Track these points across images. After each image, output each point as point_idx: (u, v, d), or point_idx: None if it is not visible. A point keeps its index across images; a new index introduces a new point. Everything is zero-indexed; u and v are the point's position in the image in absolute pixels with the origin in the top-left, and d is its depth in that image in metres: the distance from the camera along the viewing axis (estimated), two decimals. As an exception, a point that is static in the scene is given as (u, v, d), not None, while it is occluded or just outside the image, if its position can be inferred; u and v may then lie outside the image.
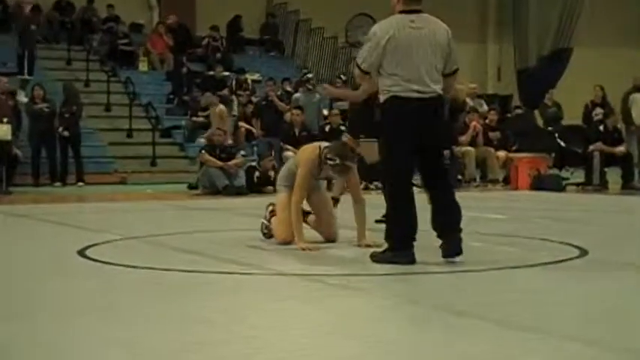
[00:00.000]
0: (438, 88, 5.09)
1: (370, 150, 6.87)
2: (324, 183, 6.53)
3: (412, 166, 5.13)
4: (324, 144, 6.04)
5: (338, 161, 5.80)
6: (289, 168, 6.22)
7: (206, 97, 16.11)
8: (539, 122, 16.65)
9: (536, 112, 17.31)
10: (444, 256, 5.10)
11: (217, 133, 12.76)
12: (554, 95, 16.66)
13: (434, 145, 5.16)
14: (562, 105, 16.27)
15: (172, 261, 5.41)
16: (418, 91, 5.01)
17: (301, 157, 6.06)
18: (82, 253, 5.68)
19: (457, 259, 5.08)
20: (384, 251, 5.10)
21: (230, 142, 13.38)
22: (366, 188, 13.47)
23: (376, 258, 5.12)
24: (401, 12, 5.12)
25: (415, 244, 5.07)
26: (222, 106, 14.04)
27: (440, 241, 5.15)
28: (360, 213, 6.00)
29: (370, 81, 5.27)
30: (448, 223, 5.12)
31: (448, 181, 5.43)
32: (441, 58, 5.11)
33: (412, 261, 4.99)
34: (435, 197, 5.23)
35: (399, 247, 5.03)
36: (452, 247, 5.08)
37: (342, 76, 16.28)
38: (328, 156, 5.84)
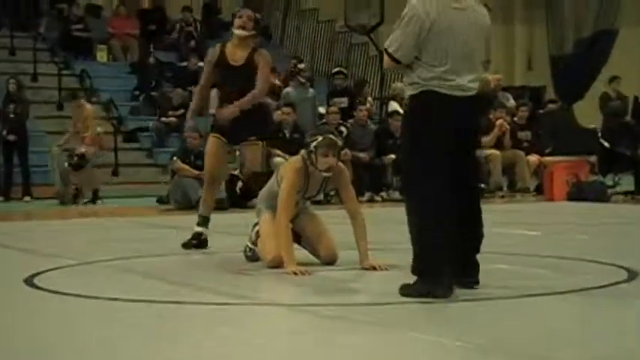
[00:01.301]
0: (482, 76, 5.08)
1: (253, 155, 7.09)
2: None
3: (447, 170, 4.99)
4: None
5: (320, 138, 5.96)
6: (270, 187, 6.29)
7: (178, 93, 16.13)
8: (580, 119, 16.69)
9: (575, 107, 17.35)
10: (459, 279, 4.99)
11: (192, 137, 12.75)
12: (621, 84, 16.42)
13: (467, 143, 5.10)
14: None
15: (139, 290, 5.41)
16: (461, 88, 4.94)
17: (284, 171, 6.13)
18: (29, 281, 5.67)
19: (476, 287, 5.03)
20: (415, 282, 4.92)
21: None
22: (371, 200, 13.53)
23: (405, 291, 4.91)
24: None
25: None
26: (88, 105, 14.17)
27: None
28: (360, 229, 6.02)
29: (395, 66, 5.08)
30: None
31: (477, 186, 5.38)
32: (483, 43, 5.08)
33: (449, 291, 4.83)
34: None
35: (430, 274, 4.84)
36: (470, 274, 5.01)
37: (342, 70, 16.24)
38: (309, 141, 6.00)
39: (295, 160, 6.15)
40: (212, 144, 7.21)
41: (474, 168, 5.32)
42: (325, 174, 6.00)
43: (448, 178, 4.92)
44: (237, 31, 7.12)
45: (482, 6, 5.11)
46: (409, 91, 5.00)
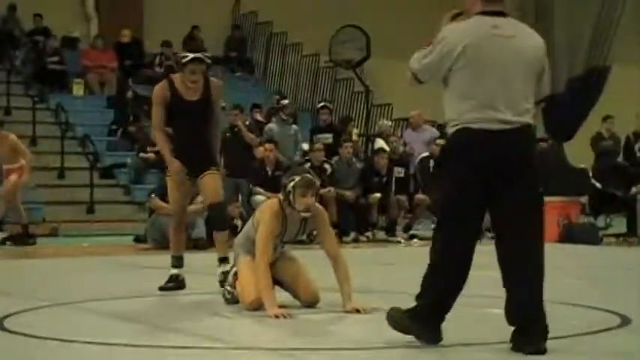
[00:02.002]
0: (527, 118, 4.61)
1: (215, 183, 7.15)
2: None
3: (477, 225, 4.73)
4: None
5: (297, 178, 5.99)
6: (247, 232, 6.32)
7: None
8: (571, 158, 16.77)
9: (565, 146, 17.44)
10: (519, 346, 4.56)
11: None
12: (614, 124, 16.52)
13: (517, 196, 4.59)
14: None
15: (115, 333, 5.38)
16: (500, 121, 4.55)
17: (260, 215, 6.17)
18: (-1, 323, 5.64)
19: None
20: (408, 312, 4.77)
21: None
22: (356, 240, 13.53)
23: (394, 321, 4.82)
24: (480, 13, 4.64)
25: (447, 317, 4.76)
26: (12, 136, 13.43)
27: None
28: (342, 272, 6.04)
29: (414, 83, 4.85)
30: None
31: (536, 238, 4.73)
32: (533, 79, 4.66)
33: (436, 340, 4.72)
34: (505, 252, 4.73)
35: (425, 316, 4.72)
36: (533, 340, 4.56)
37: (327, 105, 16.30)
38: (286, 182, 6.04)
39: (271, 204, 6.16)
40: (172, 182, 7.21)
41: (532, 213, 4.68)
42: (304, 214, 6.02)
43: (470, 224, 4.70)
44: (190, 85, 7.05)
45: (535, 34, 4.72)
46: (449, 129, 4.72)
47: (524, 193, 4.61)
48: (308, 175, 6.09)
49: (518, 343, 4.57)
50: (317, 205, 6.14)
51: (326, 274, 6.26)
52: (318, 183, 6.14)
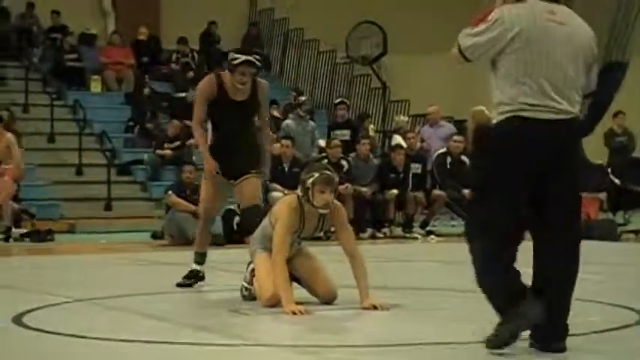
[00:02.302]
0: (577, 109, 4.47)
1: (254, 187, 7.01)
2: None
3: (518, 219, 4.47)
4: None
5: (316, 174, 5.96)
6: (264, 228, 6.30)
7: (173, 125, 16.18)
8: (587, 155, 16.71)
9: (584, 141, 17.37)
10: (540, 344, 4.50)
11: (188, 170, 12.77)
12: (625, 119, 16.45)
13: (561, 191, 4.46)
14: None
15: (132, 329, 5.39)
16: (554, 110, 4.40)
17: (277, 210, 6.14)
18: (18, 320, 5.65)
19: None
20: (497, 329, 4.46)
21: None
22: (373, 237, 13.52)
23: (492, 343, 4.46)
24: None
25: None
26: (9, 133, 13.25)
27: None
28: (359, 269, 6.03)
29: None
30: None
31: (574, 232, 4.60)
32: (584, 70, 4.52)
33: (539, 316, 4.42)
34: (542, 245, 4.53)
35: (507, 316, 4.43)
36: (553, 331, 4.46)
37: (344, 100, 16.31)
38: (305, 177, 6.00)
39: (290, 200, 6.14)
40: (209, 182, 7.14)
41: (573, 210, 4.57)
42: (322, 211, 6.01)
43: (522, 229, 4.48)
44: (239, 86, 6.91)
45: (586, 25, 4.58)
46: (495, 116, 4.53)
47: (568, 189, 4.50)
48: (327, 172, 6.07)
49: (539, 339, 4.52)
50: (335, 201, 6.13)
51: (343, 271, 6.26)
52: (337, 179, 6.13)
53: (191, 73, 18.70)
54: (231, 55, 7.00)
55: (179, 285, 7.19)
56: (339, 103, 15.90)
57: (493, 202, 4.42)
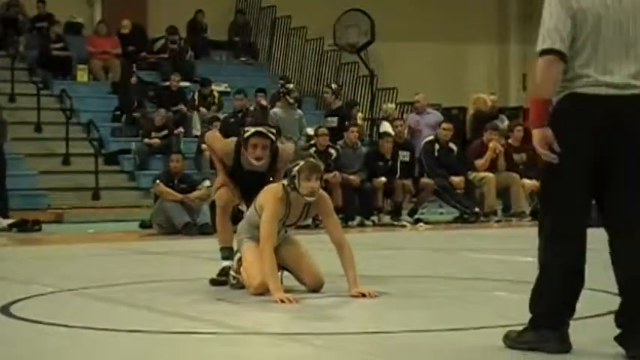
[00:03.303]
0: None
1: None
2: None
3: (588, 201, 4.14)
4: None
5: (302, 162, 5.96)
6: (250, 217, 6.29)
7: (160, 114, 16.15)
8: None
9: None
10: (630, 353, 4.08)
11: (176, 159, 12.76)
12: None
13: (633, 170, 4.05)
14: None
15: (120, 319, 5.40)
16: (615, 86, 4.02)
17: (263, 198, 6.13)
18: (5, 310, 5.64)
19: None
20: (524, 330, 4.24)
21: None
22: (361, 225, 13.54)
23: (511, 342, 4.26)
24: None
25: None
26: None
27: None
28: (347, 258, 6.05)
29: (559, 69, 4.01)
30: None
31: None
32: None
33: (565, 348, 4.14)
34: (620, 241, 4.16)
35: (542, 324, 4.16)
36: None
37: (332, 85, 16.34)
38: (291, 166, 6.00)
39: (275, 189, 6.14)
40: (223, 172, 6.78)
41: None
42: (308, 198, 6.02)
43: (589, 208, 4.15)
44: (254, 162, 6.50)
45: None
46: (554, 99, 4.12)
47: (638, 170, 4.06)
48: (312, 159, 6.09)
49: (628, 344, 4.14)
50: (320, 190, 6.13)
51: (331, 259, 6.27)
52: (322, 167, 6.13)
53: (178, 60, 18.68)
54: (243, 130, 6.63)
55: (213, 282, 6.69)
56: (327, 87, 15.99)
57: (564, 175, 4.08)
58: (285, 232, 6.33)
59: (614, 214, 4.14)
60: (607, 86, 4.02)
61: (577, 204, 4.11)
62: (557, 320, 4.16)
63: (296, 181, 5.98)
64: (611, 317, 4.74)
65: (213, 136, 7.12)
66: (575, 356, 4.18)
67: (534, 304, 4.22)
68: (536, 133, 4.06)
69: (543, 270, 4.19)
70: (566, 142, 4.01)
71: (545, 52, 4.03)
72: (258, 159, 6.47)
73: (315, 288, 6.24)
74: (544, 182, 4.27)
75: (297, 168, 5.98)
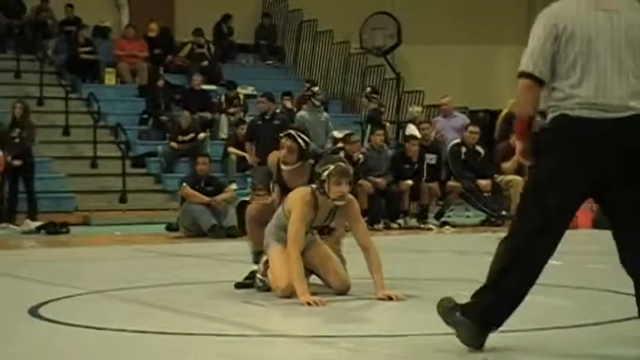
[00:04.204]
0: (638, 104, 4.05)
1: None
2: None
3: (563, 229, 4.14)
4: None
5: (332, 166, 5.94)
6: (277, 219, 6.29)
7: (185, 117, 16.19)
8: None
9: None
10: None
11: (202, 162, 12.80)
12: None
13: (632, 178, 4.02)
14: None
15: (146, 321, 5.41)
16: (609, 107, 4.01)
17: (292, 202, 6.13)
18: (34, 311, 5.68)
19: None
20: (458, 307, 4.30)
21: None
22: (387, 227, 13.51)
23: (443, 310, 4.36)
24: None
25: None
26: None
27: None
28: (374, 262, 6.05)
29: (539, 95, 4.12)
30: None
31: None
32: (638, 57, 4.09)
33: (476, 344, 4.25)
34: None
35: (472, 315, 4.24)
36: None
37: (367, 89, 16.35)
38: (320, 171, 5.98)
39: (304, 192, 6.14)
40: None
41: None
42: (338, 202, 6.02)
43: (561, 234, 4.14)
44: (282, 166, 6.57)
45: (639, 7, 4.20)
46: (547, 118, 4.15)
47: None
48: (342, 164, 6.09)
49: None
50: (349, 195, 6.13)
51: (358, 262, 6.27)
52: (352, 171, 6.13)
53: (205, 63, 18.75)
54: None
55: (238, 285, 6.67)
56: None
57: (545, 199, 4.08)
58: (312, 234, 6.33)
59: (624, 249, 4.17)
60: (600, 110, 4.01)
61: (550, 229, 4.11)
62: (484, 320, 4.22)
63: (325, 185, 5.97)
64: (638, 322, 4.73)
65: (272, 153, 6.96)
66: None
67: (477, 295, 4.27)
68: (517, 145, 4.20)
69: (502, 271, 4.22)
70: (555, 164, 4.03)
71: (522, 75, 4.12)
72: (285, 162, 6.50)
73: (342, 291, 6.24)
74: (524, 201, 4.21)
75: (326, 172, 5.97)
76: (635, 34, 4.09)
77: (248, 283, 6.61)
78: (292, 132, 6.51)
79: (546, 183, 4.07)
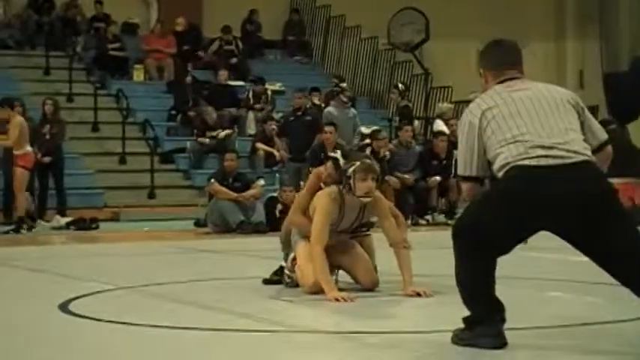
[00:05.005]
0: (583, 149, 4.19)
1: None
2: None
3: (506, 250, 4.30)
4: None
5: (358, 163, 5.96)
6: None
7: (208, 112, 16.22)
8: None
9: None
10: None
11: (230, 158, 12.84)
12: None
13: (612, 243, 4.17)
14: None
15: (174, 316, 5.45)
16: (554, 156, 4.13)
17: (317, 199, 6.16)
18: (64, 307, 5.74)
19: None
20: (464, 329, 4.43)
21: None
22: (416, 224, 13.51)
23: (456, 339, 4.43)
24: (497, 84, 4.48)
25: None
26: (20, 117, 12.75)
27: None
28: (403, 256, 6.07)
29: (478, 189, 4.40)
30: None
31: None
32: (572, 117, 4.29)
33: (499, 343, 4.28)
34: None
35: (478, 321, 4.33)
36: None
37: (399, 85, 16.28)
38: (346, 167, 6.00)
39: (330, 190, 6.15)
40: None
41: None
42: (364, 199, 6.02)
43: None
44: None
45: (558, 88, 4.48)
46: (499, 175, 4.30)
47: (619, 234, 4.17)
48: (367, 160, 6.09)
49: None
50: (376, 191, 6.13)
51: (387, 258, 6.28)
52: (377, 167, 6.14)
53: (234, 59, 18.79)
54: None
55: (266, 281, 6.68)
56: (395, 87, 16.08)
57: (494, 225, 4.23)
58: (338, 236, 6.29)
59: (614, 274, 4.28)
60: (548, 156, 4.12)
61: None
62: (490, 318, 4.29)
63: (351, 181, 5.98)
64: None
65: None
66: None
67: (470, 303, 4.36)
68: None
69: (465, 275, 4.36)
70: (510, 207, 4.16)
71: (462, 178, 4.44)
72: (325, 183, 6.43)
73: (370, 287, 6.25)
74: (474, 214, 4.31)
75: (352, 169, 5.98)
76: (552, 98, 4.33)
77: (276, 279, 6.63)
78: (338, 158, 6.32)
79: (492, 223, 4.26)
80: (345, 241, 6.40)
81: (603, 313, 5.36)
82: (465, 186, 4.45)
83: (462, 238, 4.27)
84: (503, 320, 4.35)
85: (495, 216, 4.18)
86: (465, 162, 4.39)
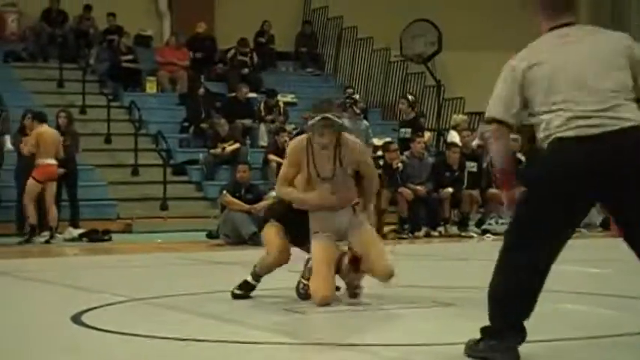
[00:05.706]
0: (630, 115, 4.09)
1: None
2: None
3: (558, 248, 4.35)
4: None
5: (318, 117, 6.07)
6: None
7: (221, 124, 16.22)
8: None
9: None
10: None
11: (242, 170, 12.84)
12: None
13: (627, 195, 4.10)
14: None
15: (188, 328, 5.43)
16: (594, 125, 4.06)
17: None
18: (76, 318, 5.73)
19: None
20: (479, 340, 4.36)
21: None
22: (428, 235, 13.47)
23: (469, 351, 4.38)
24: (549, 30, 4.36)
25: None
26: (42, 129, 12.84)
27: None
28: (370, 186, 6.36)
29: (508, 139, 4.40)
30: None
31: None
32: (625, 74, 4.16)
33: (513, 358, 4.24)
34: None
35: (495, 334, 4.28)
36: None
37: (408, 96, 16.28)
38: (309, 117, 6.27)
39: (299, 138, 6.46)
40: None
41: None
42: (322, 150, 6.13)
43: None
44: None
45: (614, 32, 4.39)
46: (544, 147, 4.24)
47: None
48: (328, 115, 6.09)
49: None
50: (349, 137, 6.26)
51: (411, 270, 6.24)
52: (338, 122, 6.17)
53: (246, 70, 18.82)
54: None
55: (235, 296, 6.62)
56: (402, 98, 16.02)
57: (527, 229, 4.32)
58: (322, 182, 6.18)
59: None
60: (590, 126, 4.06)
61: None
62: (509, 334, 4.25)
63: (312, 134, 6.15)
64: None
65: None
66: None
67: (494, 316, 4.31)
68: (504, 197, 4.47)
69: (497, 283, 4.40)
70: (547, 183, 4.15)
71: (489, 120, 4.39)
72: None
73: (385, 278, 6.11)
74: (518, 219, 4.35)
75: (311, 122, 6.15)
76: (608, 49, 4.23)
77: (240, 293, 6.52)
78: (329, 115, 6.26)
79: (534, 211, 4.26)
80: (362, 229, 6.24)
81: (620, 325, 5.31)
82: (494, 127, 4.36)
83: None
84: (522, 340, 4.28)
85: (543, 203, 4.15)
86: (504, 105, 4.30)
